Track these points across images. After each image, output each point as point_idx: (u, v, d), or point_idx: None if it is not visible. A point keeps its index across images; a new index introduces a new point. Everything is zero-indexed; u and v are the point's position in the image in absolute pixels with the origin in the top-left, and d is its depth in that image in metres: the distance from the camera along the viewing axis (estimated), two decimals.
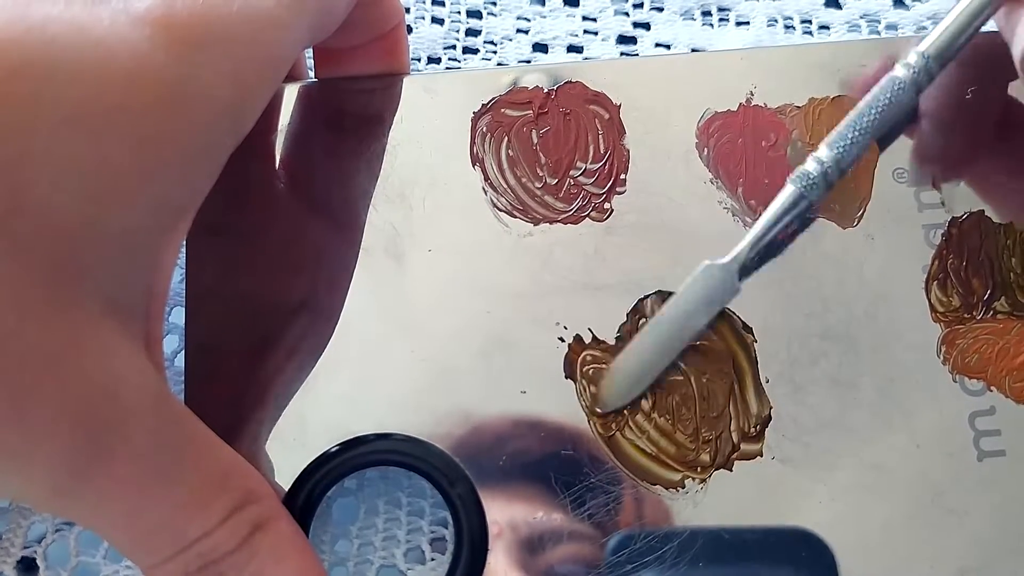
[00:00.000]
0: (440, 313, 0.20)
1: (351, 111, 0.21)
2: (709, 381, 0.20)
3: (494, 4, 0.27)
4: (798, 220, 0.20)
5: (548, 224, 0.21)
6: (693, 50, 0.27)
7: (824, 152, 0.20)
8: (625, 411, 0.20)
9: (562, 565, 0.19)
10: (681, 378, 0.20)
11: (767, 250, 0.20)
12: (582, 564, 0.19)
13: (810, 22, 0.28)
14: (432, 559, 0.21)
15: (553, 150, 0.21)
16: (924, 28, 0.27)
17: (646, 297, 0.20)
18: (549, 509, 0.19)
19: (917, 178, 0.21)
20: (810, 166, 0.20)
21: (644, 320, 0.20)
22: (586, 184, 0.21)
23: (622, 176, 0.21)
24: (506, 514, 0.19)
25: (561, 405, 0.20)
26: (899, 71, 0.20)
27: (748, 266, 0.20)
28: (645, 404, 0.20)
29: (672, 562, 0.19)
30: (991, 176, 0.21)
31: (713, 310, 0.20)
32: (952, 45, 0.20)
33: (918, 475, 0.19)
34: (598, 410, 0.19)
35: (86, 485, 0.15)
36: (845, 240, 0.20)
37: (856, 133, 0.20)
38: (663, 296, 0.20)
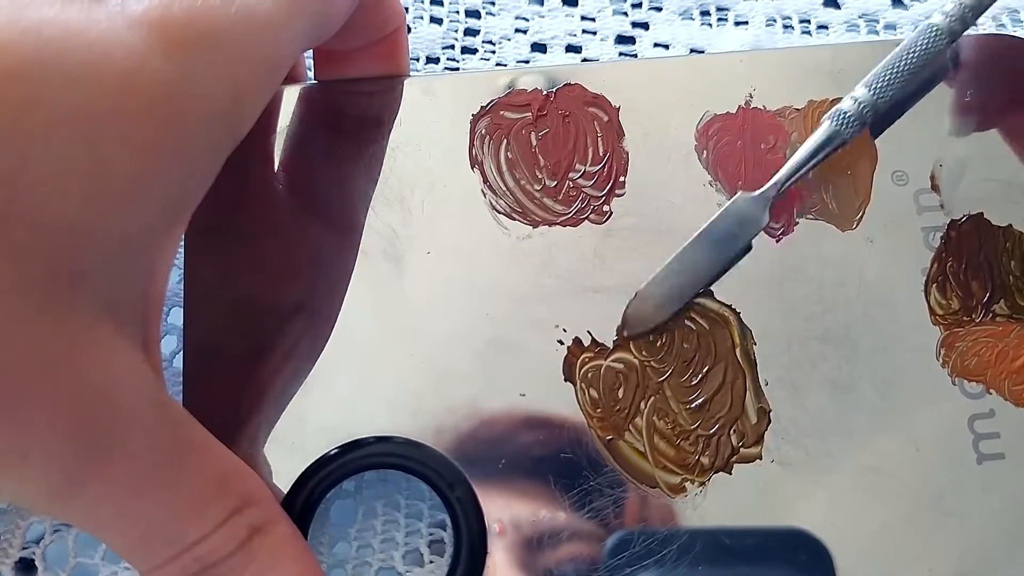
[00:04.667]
0: (439, 315, 0.20)
1: (350, 113, 0.21)
2: (708, 383, 0.20)
3: (493, 4, 0.27)
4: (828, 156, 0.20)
5: (547, 226, 0.21)
6: (692, 50, 0.27)
7: (861, 92, 0.20)
8: (625, 412, 0.20)
9: (561, 566, 0.19)
10: (681, 380, 0.20)
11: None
12: (582, 565, 0.19)
13: (809, 22, 0.28)
14: (431, 561, 0.21)
15: (552, 152, 0.21)
16: None
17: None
18: (549, 511, 0.19)
19: (958, 129, 0.21)
20: (846, 104, 0.20)
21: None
22: (585, 186, 0.21)
23: (621, 178, 0.21)
24: (506, 516, 0.19)
25: (560, 407, 0.20)
26: (936, 18, 0.21)
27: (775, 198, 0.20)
28: (645, 407, 0.20)
29: (672, 565, 0.19)
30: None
31: (741, 239, 0.20)
32: None
33: (917, 478, 0.19)
34: (624, 333, 0.20)
35: (82, 488, 0.15)
36: (844, 243, 0.20)
37: (892, 75, 0.20)
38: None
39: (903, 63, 0.20)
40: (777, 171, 0.20)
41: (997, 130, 0.21)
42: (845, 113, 0.20)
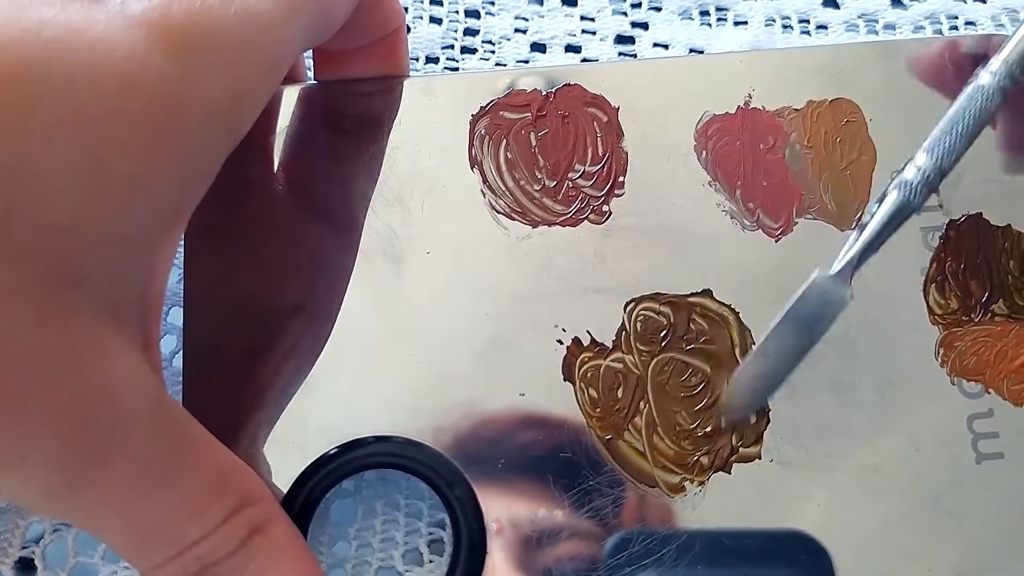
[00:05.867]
0: (438, 315, 0.20)
1: (350, 113, 0.21)
2: (708, 383, 0.20)
3: (492, 4, 0.27)
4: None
5: (547, 226, 0.21)
6: (691, 50, 0.27)
7: (922, 159, 0.20)
8: (624, 412, 0.20)
9: (561, 565, 0.19)
10: (680, 379, 0.20)
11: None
12: (581, 564, 0.19)
13: (808, 22, 0.28)
14: (430, 561, 0.21)
15: (551, 152, 0.21)
16: (921, 28, 0.27)
17: (641, 298, 0.20)
18: (548, 511, 0.19)
19: (1011, 166, 0.21)
20: (910, 174, 0.20)
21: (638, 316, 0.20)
22: (584, 186, 0.21)
23: (620, 178, 0.21)
24: (505, 516, 0.19)
25: (560, 407, 0.20)
26: (984, 79, 0.20)
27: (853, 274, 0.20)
28: (644, 407, 0.20)
29: (671, 565, 0.19)
30: None
31: (828, 323, 0.20)
32: None
33: (916, 477, 0.19)
34: (722, 422, 0.20)
35: (82, 489, 0.15)
36: (844, 242, 0.20)
37: (952, 139, 0.20)
38: (657, 298, 0.20)
39: (960, 127, 0.20)
40: (851, 247, 0.20)
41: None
42: (911, 183, 0.20)
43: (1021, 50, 0.20)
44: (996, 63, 0.20)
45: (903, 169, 0.20)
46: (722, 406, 0.20)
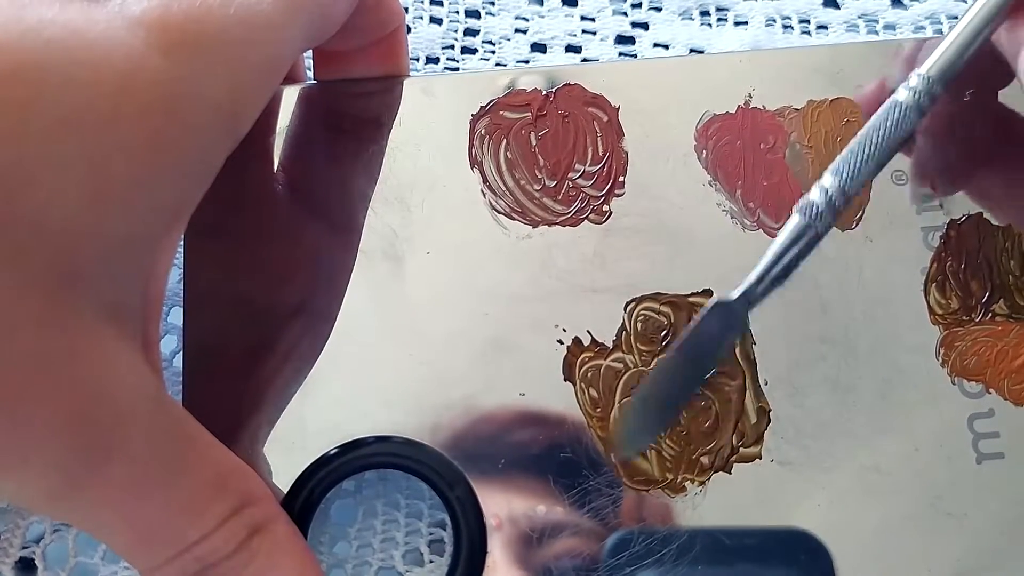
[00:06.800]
0: (438, 315, 0.20)
1: (350, 113, 0.21)
2: (708, 383, 0.20)
3: (492, 4, 0.27)
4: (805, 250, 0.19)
5: (547, 226, 0.21)
6: (691, 50, 0.27)
7: (829, 180, 0.18)
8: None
9: (560, 565, 0.19)
10: None
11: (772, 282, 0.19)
12: (581, 564, 0.19)
13: (808, 22, 0.28)
14: (431, 561, 0.21)
15: (552, 152, 0.21)
16: (922, 28, 0.27)
17: (641, 298, 0.20)
18: (548, 510, 0.19)
19: (916, 195, 0.21)
20: (815, 195, 0.18)
21: (639, 317, 0.20)
22: (585, 186, 0.21)
23: (621, 178, 0.21)
24: (505, 515, 0.19)
25: (560, 407, 0.20)
26: (901, 94, 0.19)
27: (755, 300, 0.19)
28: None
29: (671, 564, 0.19)
30: (989, 188, 0.21)
31: (724, 349, 0.19)
32: (954, 65, 0.19)
33: (917, 478, 0.19)
34: (612, 457, 0.19)
35: (82, 490, 0.15)
36: (844, 242, 0.20)
37: (860, 160, 0.18)
38: (658, 298, 0.20)
39: (871, 146, 0.18)
40: (748, 275, 0.18)
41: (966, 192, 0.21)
42: (815, 205, 0.18)
43: (942, 65, 0.19)
44: (915, 78, 0.19)
45: (810, 191, 0.19)
46: (613, 444, 0.19)
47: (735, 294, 0.18)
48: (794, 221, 0.18)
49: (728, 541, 0.19)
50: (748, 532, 0.19)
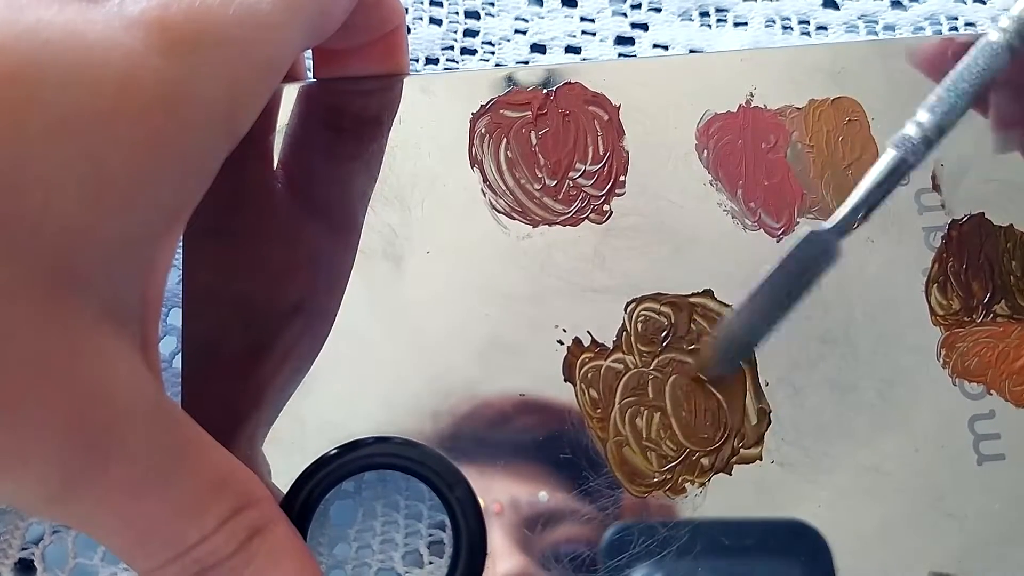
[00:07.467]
0: (438, 315, 0.20)
1: (350, 112, 0.21)
2: (708, 384, 0.20)
3: (492, 5, 0.27)
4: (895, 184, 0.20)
5: (547, 226, 0.21)
6: (691, 51, 0.27)
7: (924, 116, 0.20)
8: (624, 417, 0.20)
9: (560, 564, 0.19)
10: (680, 380, 0.20)
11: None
12: (581, 564, 0.19)
13: (808, 23, 0.27)
14: (430, 562, 0.21)
15: (552, 151, 0.21)
16: (921, 29, 0.27)
17: (641, 298, 0.20)
18: (548, 512, 0.19)
19: (1002, 145, 0.21)
20: (910, 130, 0.20)
21: (639, 316, 0.20)
22: (585, 186, 0.21)
23: (621, 178, 0.21)
24: (505, 510, 0.19)
25: (560, 408, 0.20)
26: (993, 35, 0.20)
27: (847, 230, 0.20)
28: (644, 407, 0.20)
29: (672, 565, 0.19)
30: None
31: (815, 276, 0.20)
32: None
33: (917, 479, 0.19)
34: (700, 376, 0.20)
35: (81, 492, 0.15)
36: (845, 243, 0.20)
37: (955, 96, 0.20)
38: (658, 299, 0.20)
39: (964, 84, 0.20)
40: (843, 204, 0.20)
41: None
42: (911, 139, 0.20)
43: None
44: (1006, 20, 0.20)
45: (905, 126, 0.20)
46: (705, 357, 0.20)
47: (828, 224, 0.20)
48: (889, 155, 0.20)
49: (728, 542, 0.19)
50: (748, 532, 0.19)
